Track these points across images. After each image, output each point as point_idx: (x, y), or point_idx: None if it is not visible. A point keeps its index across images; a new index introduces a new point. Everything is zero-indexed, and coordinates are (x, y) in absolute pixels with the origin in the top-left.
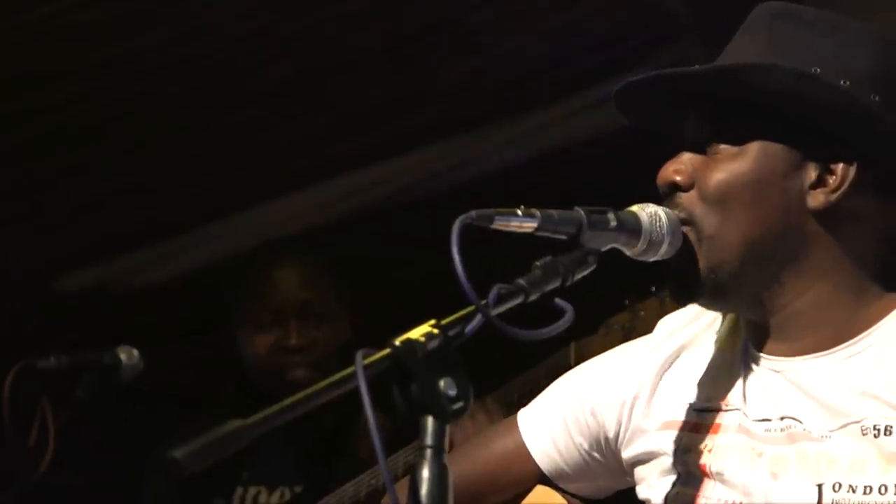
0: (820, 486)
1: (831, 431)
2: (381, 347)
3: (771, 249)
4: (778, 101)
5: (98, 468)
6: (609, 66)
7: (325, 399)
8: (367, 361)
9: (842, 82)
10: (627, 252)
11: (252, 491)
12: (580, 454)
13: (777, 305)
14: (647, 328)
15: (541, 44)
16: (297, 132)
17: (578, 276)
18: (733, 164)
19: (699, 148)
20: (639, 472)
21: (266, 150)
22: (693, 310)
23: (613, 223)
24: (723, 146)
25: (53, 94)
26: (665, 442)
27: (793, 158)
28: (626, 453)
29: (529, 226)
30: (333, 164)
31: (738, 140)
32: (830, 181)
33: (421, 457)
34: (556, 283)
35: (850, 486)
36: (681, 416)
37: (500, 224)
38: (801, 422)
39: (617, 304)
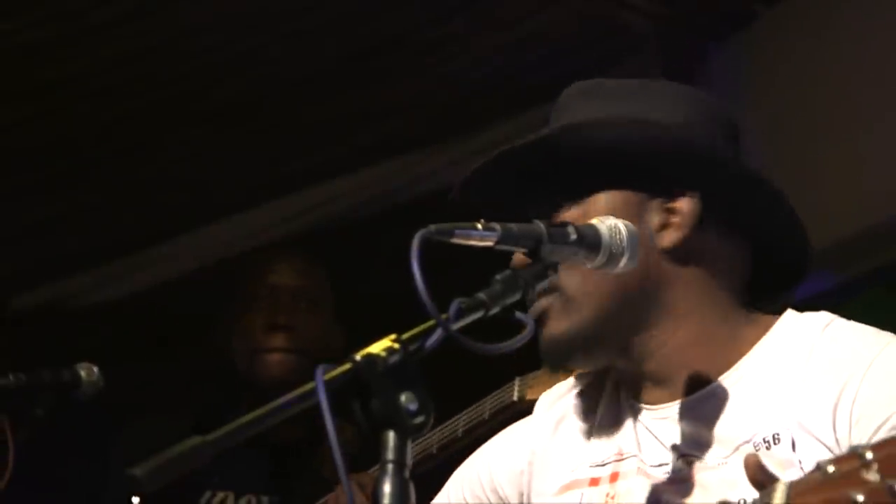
0: None
1: (726, 458)
2: (342, 362)
3: (631, 297)
4: (608, 154)
5: (52, 481)
6: (565, 81)
7: (286, 415)
8: (327, 376)
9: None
10: (588, 265)
11: (220, 496)
12: None
13: (650, 350)
14: None
15: (497, 58)
16: (250, 150)
17: (539, 289)
18: (580, 223)
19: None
20: None
21: (218, 168)
22: (571, 381)
23: (573, 236)
24: (567, 210)
25: (4, 114)
26: (569, 502)
27: (635, 204)
28: None
29: (489, 240)
30: (286, 181)
31: (580, 200)
32: (676, 220)
33: (383, 472)
34: (516, 297)
35: (754, 500)
36: (578, 475)
37: (460, 238)
38: (696, 456)
39: None
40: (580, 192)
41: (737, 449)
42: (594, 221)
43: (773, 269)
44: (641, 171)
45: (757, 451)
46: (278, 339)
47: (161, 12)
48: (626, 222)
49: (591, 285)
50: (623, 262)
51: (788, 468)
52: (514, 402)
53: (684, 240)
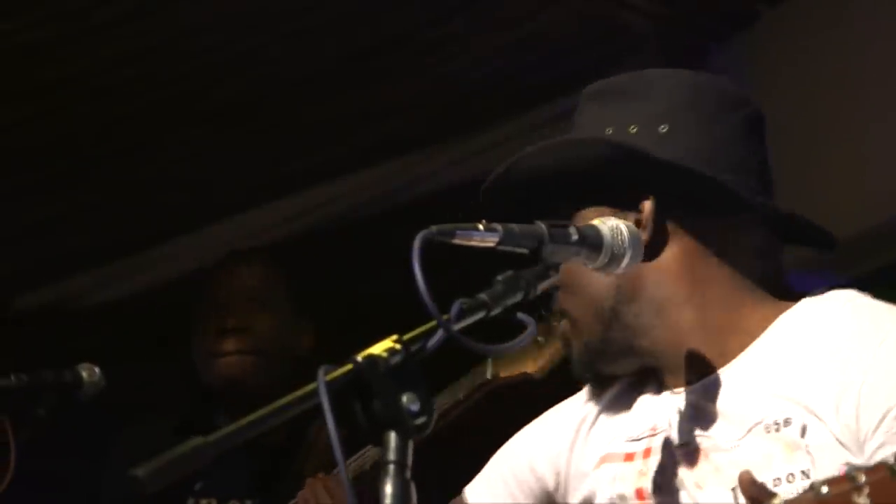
0: (734, 489)
1: (739, 440)
2: (344, 363)
3: (621, 305)
4: (567, 175)
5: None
6: (565, 81)
7: (287, 416)
8: (329, 377)
9: (630, 129)
10: (589, 266)
11: (203, 503)
12: None
13: (659, 348)
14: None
15: (497, 58)
16: (250, 150)
17: (540, 289)
18: None
19: None
20: None
21: (218, 168)
22: None
23: (575, 237)
24: None
25: (5, 114)
26: (602, 476)
27: (604, 216)
28: (572, 502)
29: (491, 240)
30: (286, 182)
31: (570, 219)
32: (641, 221)
33: (384, 472)
34: (517, 298)
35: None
36: (614, 448)
37: (462, 239)
38: (711, 437)
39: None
40: (567, 212)
41: (749, 431)
42: (596, 222)
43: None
44: (599, 187)
45: (768, 432)
46: (229, 343)
47: (161, 12)
48: (628, 223)
49: (584, 304)
50: (625, 262)
51: (796, 450)
52: (487, 381)
53: (652, 238)
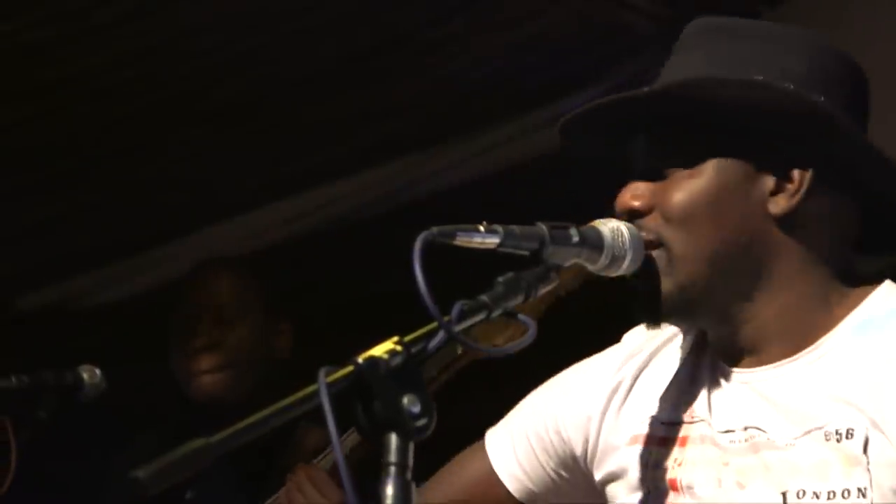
0: (784, 493)
1: (795, 439)
2: (344, 365)
3: (738, 262)
4: (725, 113)
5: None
6: (566, 82)
7: (289, 416)
8: (330, 379)
9: (786, 85)
10: (590, 267)
11: None
12: (547, 474)
13: (744, 319)
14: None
15: (497, 59)
16: (251, 150)
17: (541, 291)
18: (691, 182)
19: (652, 173)
20: (610, 489)
21: (219, 168)
22: (656, 331)
23: (576, 238)
24: (676, 171)
25: (5, 114)
26: (634, 457)
27: (749, 168)
28: (598, 472)
29: (492, 242)
30: (286, 182)
31: (692, 159)
32: (789, 186)
33: (385, 474)
34: (518, 299)
35: (814, 492)
36: (648, 429)
37: (463, 240)
38: (764, 431)
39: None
40: (691, 155)
41: (808, 433)
42: (596, 223)
43: (884, 228)
44: (755, 135)
45: (827, 440)
46: (203, 362)
47: (161, 12)
48: (629, 224)
49: (697, 246)
50: (626, 264)
51: (855, 465)
52: (458, 357)
53: (797, 207)
